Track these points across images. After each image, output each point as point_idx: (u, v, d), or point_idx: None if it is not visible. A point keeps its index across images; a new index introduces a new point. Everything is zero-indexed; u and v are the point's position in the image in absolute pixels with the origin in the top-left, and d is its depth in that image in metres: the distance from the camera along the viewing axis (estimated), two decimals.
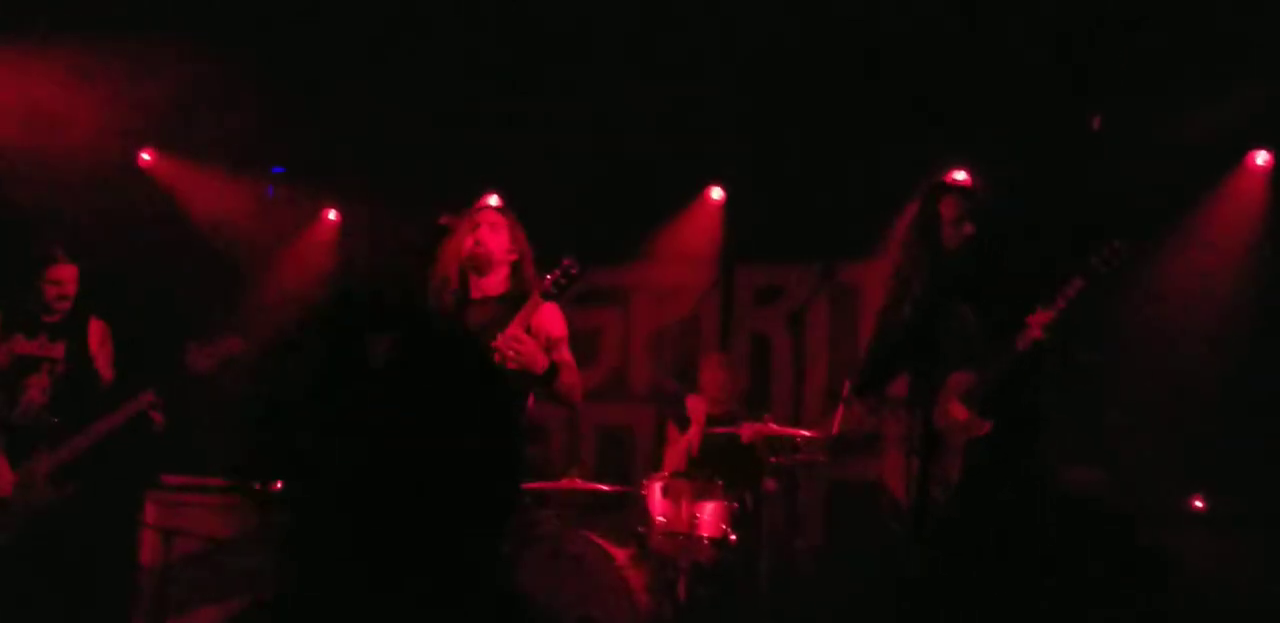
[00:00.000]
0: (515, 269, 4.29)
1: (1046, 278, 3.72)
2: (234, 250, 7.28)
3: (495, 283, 4.30)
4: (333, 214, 7.72)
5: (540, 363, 4.05)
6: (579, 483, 5.62)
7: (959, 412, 3.72)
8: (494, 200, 7.26)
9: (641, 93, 6.58)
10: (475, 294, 4.31)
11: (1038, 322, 3.56)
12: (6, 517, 4.72)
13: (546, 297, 4.06)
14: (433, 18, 6.33)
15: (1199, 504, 5.47)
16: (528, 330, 4.11)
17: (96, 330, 5.05)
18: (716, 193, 7.27)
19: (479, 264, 4.25)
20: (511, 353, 3.95)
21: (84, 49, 6.18)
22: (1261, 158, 6.18)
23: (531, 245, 4.36)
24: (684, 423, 6.27)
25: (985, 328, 3.71)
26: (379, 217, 7.05)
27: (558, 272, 4.07)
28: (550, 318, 4.24)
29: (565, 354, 4.25)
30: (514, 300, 4.17)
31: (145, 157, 7.31)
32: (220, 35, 6.21)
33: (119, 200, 6.73)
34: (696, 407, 6.18)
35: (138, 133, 7.04)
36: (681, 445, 6.09)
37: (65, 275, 4.92)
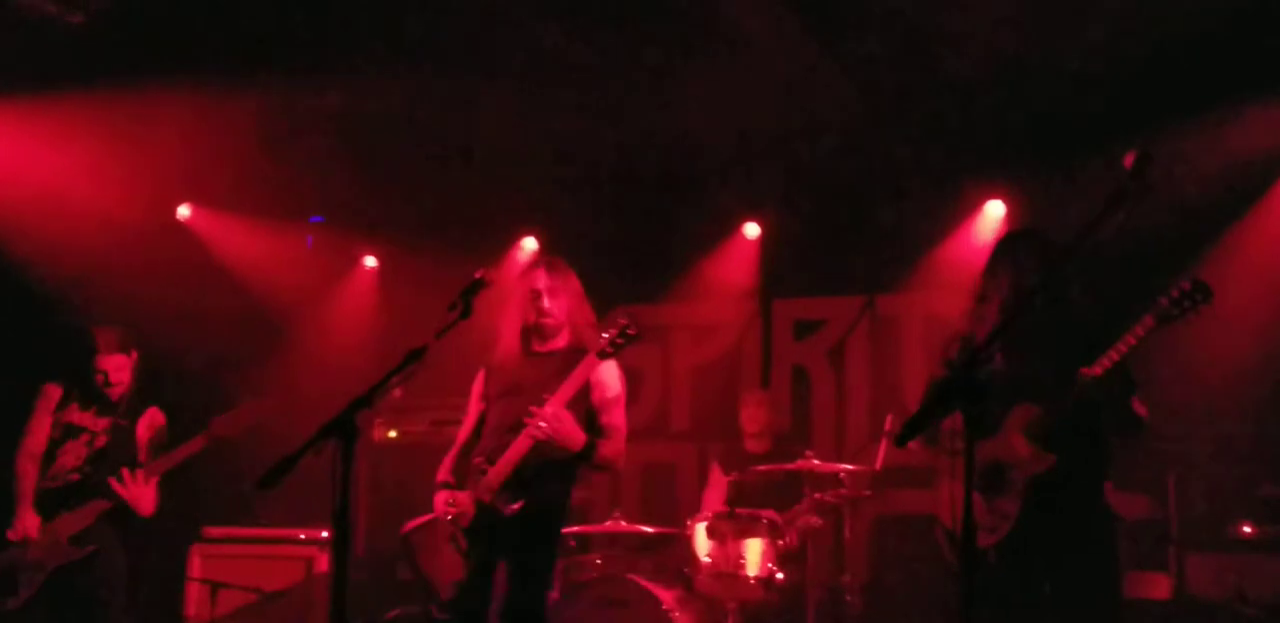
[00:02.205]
0: (578, 323, 4.20)
1: (1111, 314, 3.60)
2: (275, 301, 7.33)
3: (557, 339, 4.22)
4: (371, 261, 7.78)
5: (577, 441, 3.96)
6: (623, 525, 5.60)
7: (1021, 446, 3.57)
8: (532, 243, 7.37)
9: (675, 130, 6.61)
10: (537, 348, 4.23)
11: (1108, 359, 3.41)
12: (34, 573, 4.78)
13: (604, 356, 3.96)
14: (470, 64, 6.39)
15: (1247, 530, 5.38)
16: (582, 391, 4.04)
17: (150, 417, 5.12)
18: (752, 229, 7.28)
19: (545, 332, 4.19)
20: (548, 429, 3.89)
21: (115, 105, 6.27)
22: None
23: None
24: (728, 463, 6.23)
25: (1054, 362, 3.58)
26: (418, 263, 7.10)
27: (615, 331, 3.94)
28: (606, 377, 4.15)
29: (615, 417, 4.14)
30: (573, 355, 4.06)
31: (184, 211, 7.40)
32: (254, 85, 6.30)
33: (159, 257, 6.79)
34: (718, 480, 6.16)
35: (174, 187, 7.14)
36: (723, 485, 6.05)
37: (110, 365, 5.00)
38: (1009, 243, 3.85)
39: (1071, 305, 3.65)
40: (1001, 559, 3.49)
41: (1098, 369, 3.42)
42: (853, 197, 6.91)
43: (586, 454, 4.00)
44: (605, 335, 3.93)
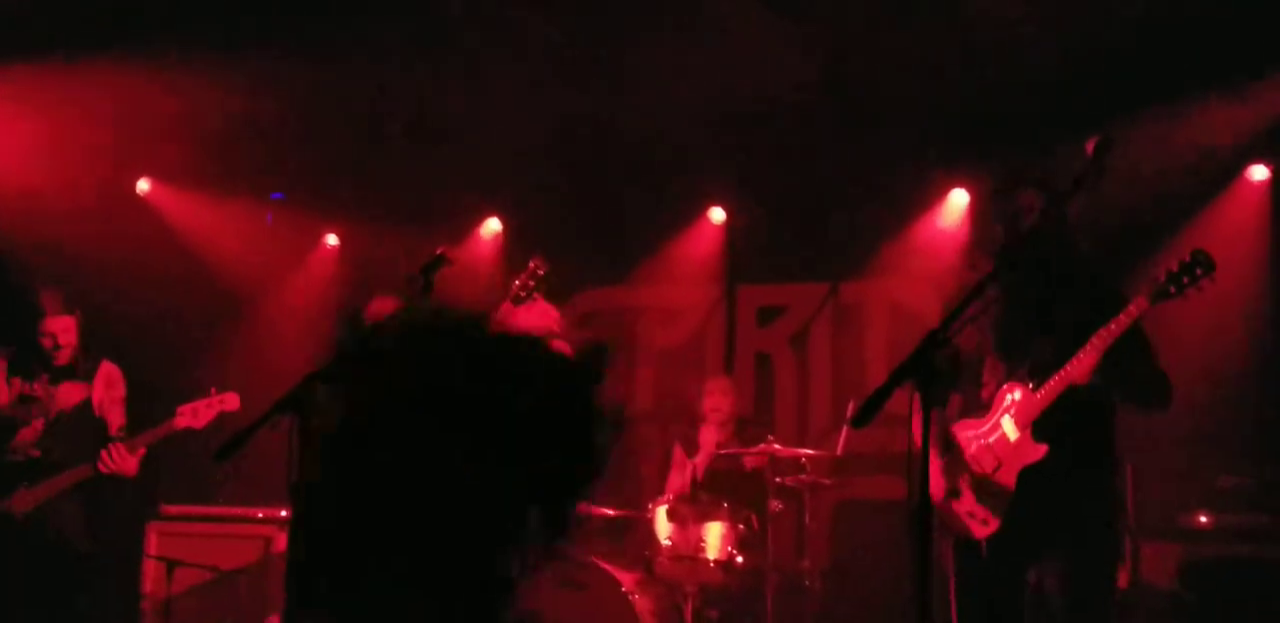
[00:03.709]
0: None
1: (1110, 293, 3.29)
2: (233, 277, 7.26)
3: None
4: (333, 239, 7.71)
5: None
6: (584, 507, 5.59)
7: (1011, 433, 3.30)
8: (496, 225, 7.31)
9: (641, 114, 6.59)
10: None
11: (1093, 349, 3.12)
12: None
13: (517, 301, 3.99)
14: (431, 41, 6.35)
15: (1204, 519, 5.43)
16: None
17: (105, 375, 5.04)
18: (717, 214, 7.27)
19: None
20: None
21: (79, 79, 6.17)
22: (1259, 173, 6.19)
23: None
24: (692, 448, 6.24)
25: (1057, 328, 3.28)
26: (379, 242, 7.04)
27: (524, 274, 3.97)
28: (531, 320, 4.15)
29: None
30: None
31: (143, 185, 7.30)
32: (216, 62, 6.22)
33: (118, 231, 6.71)
34: (709, 438, 6.15)
35: (135, 162, 7.04)
36: (686, 469, 6.06)
37: (57, 327, 4.93)
38: (995, 194, 3.54)
39: (1077, 258, 3.36)
40: (993, 552, 3.33)
41: (1081, 376, 3.13)
42: (817, 184, 6.91)
43: None
44: (515, 281, 3.95)
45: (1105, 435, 3.40)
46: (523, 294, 4.00)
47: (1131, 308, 3.14)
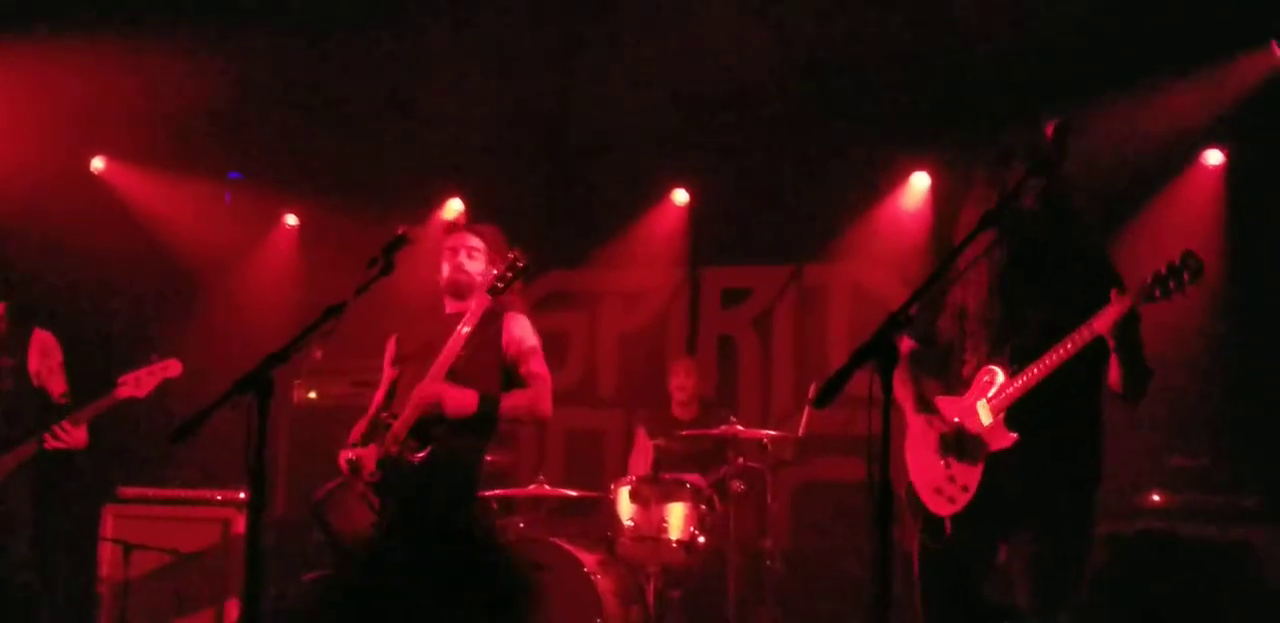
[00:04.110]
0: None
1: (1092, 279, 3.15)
2: (190, 258, 7.19)
3: (469, 302, 4.13)
4: (292, 219, 7.64)
5: (467, 406, 3.94)
6: (546, 489, 5.60)
7: (984, 416, 3.22)
8: (457, 205, 7.28)
9: (604, 94, 6.57)
10: (449, 310, 4.21)
11: (1081, 338, 3.01)
12: None
13: (494, 292, 3.98)
14: (390, 20, 6.30)
15: (1157, 498, 5.50)
16: (493, 347, 4.05)
17: (38, 343, 4.93)
18: (681, 195, 7.26)
19: (459, 290, 4.16)
20: (431, 407, 3.90)
21: (36, 58, 6.07)
22: (1215, 157, 6.25)
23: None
24: (653, 429, 6.27)
25: (1045, 305, 3.18)
26: (340, 222, 6.99)
27: (503, 266, 3.97)
28: (518, 331, 4.14)
29: (535, 366, 4.11)
30: (483, 316, 4.04)
31: (98, 163, 7.20)
32: (175, 39, 6.14)
33: (71, 210, 6.62)
34: (644, 446, 6.19)
35: (90, 139, 6.94)
36: (649, 449, 6.07)
37: None
38: (987, 164, 3.36)
39: (1074, 229, 3.22)
40: (957, 531, 3.28)
41: (1058, 362, 3.01)
42: (780, 166, 6.92)
43: (488, 412, 3.98)
44: (494, 272, 3.93)
45: (1085, 431, 3.28)
46: (500, 285, 3.96)
47: (1115, 307, 3.03)
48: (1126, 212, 6.13)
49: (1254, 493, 5.31)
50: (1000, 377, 3.24)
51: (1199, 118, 6.02)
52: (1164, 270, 2.94)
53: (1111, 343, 3.05)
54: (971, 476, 3.26)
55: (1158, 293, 2.95)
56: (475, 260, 4.18)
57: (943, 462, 3.32)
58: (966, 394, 3.32)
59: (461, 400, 3.96)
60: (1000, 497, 3.25)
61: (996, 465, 3.21)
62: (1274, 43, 5.84)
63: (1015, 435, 3.17)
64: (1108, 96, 5.75)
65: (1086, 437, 3.27)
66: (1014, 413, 3.18)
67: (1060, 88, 5.65)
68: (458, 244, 4.20)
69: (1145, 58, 5.75)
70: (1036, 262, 3.23)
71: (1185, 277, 2.92)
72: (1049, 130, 2.94)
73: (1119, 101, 5.81)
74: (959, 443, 3.29)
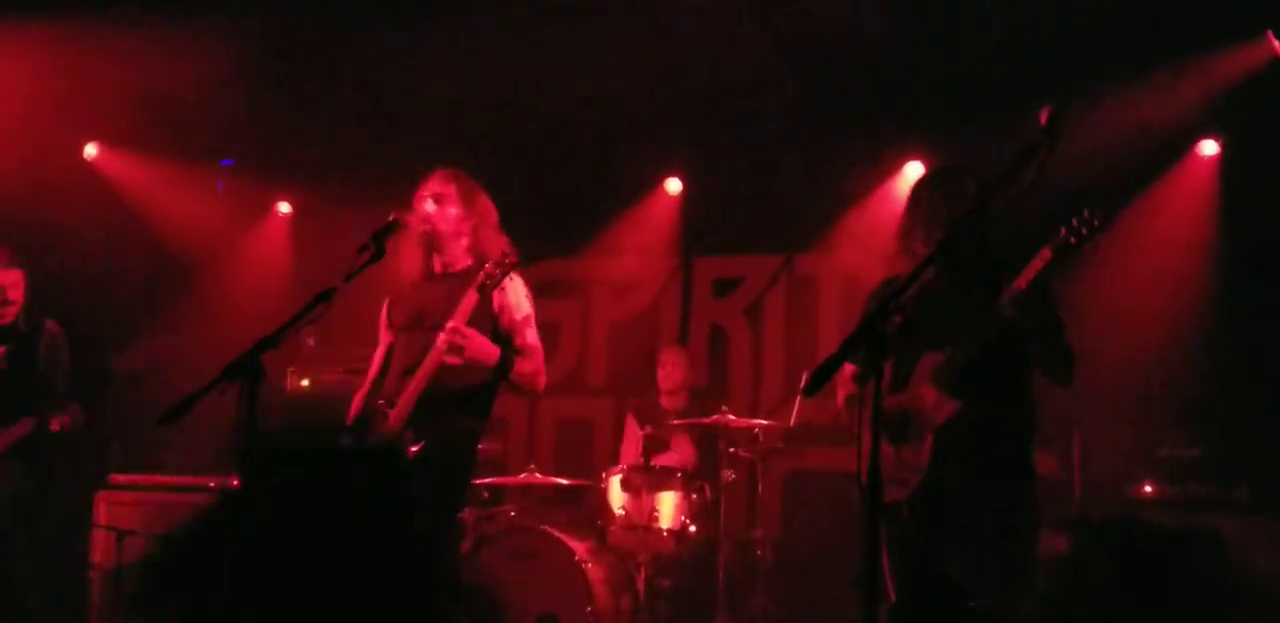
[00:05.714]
0: (476, 237, 4.09)
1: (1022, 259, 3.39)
2: (184, 245, 7.17)
3: (457, 255, 4.11)
4: (285, 207, 7.62)
5: (490, 354, 3.89)
6: (537, 477, 5.60)
7: (929, 394, 3.42)
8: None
9: (597, 83, 6.55)
10: (437, 269, 4.13)
11: (1007, 298, 3.24)
12: None
13: (483, 290, 3.89)
14: (383, 7, 6.27)
15: (1149, 489, 5.51)
16: (487, 317, 3.98)
17: (48, 336, 4.93)
18: (674, 184, 7.25)
19: (434, 242, 4.08)
20: (458, 342, 3.80)
21: (28, 43, 6.04)
22: (1209, 147, 6.25)
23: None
24: (642, 417, 6.27)
25: (964, 309, 3.42)
26: (331, 209, 6.96)
27: (493, 262, 3.89)
28: (513, 299, 4.07)
29: (529, 337, 4.06)
30: (474, 277, 3.94)
31: (91, 150, 7.17)
32: (168, 27, 6.11)
33: (64, 197, 6.59)
34: (634, 434, 6.19)
35: (83, 126, 6.92)
36: (639, 439, 6.08)
37: (8, 281, 4.81)
38: (937, 176, 3.69)
39: (992, 248, 3.48)
40: (914, 514, 3.38)
41: (1005, 310, 3.27)
42: (773, 156, 6.91)
43: (503, 368, 3.94)
44: (483, 269, 3.88)
45: (1025, 395, 3.50)
46: (489, 283, 3.90)
47: (1036, 261, 3.26)
48: (1121, 201, 6.13)
49: (1242, 483, 5.32)
50: (936, 359, 3.44)
51: (1194, 108, 6.01)
52: (1074, 222, 3.20)
53: (1014, 314, 3.29)
54: (921, 454, 3.41)
55: (1072, 240, 3.20)
56: (444, 206, 4.08)
57: (891, 449, 3.42)
58: (909, 384, 3.48)
59: (486, 346, 3.89)
60: (950, 471, 3.38)
61: (946, 438, 3.38)
62: (1269, 33, 5.84)
63: (956, 403, 3.38)
64: (1103, 86, 5.74)
65: (1016, 405, 3.49)
66: (956, 384, 3.39)
67: (1055, 77, 5.64)
68: (422, 192, 4.10)
69: (1140, 48, 5.73)
70: (967, 256, 3.43)
71: (1095, 223, 3.18)
72: (1043, 116, 2.95)
73: (1114, 92, 5.81)
74: (903, 425, 3.45)
